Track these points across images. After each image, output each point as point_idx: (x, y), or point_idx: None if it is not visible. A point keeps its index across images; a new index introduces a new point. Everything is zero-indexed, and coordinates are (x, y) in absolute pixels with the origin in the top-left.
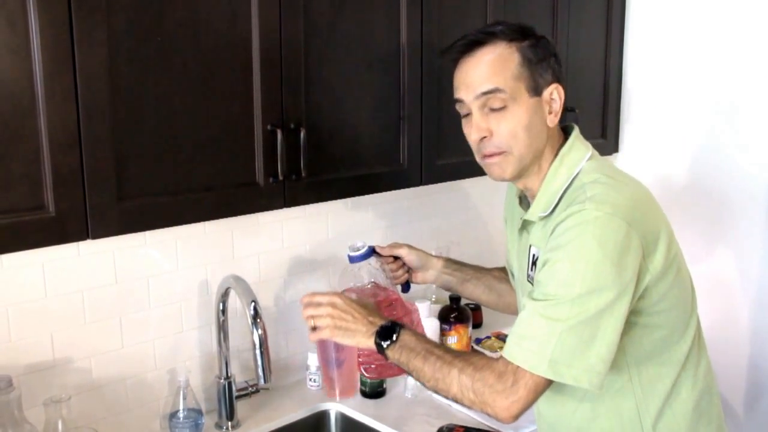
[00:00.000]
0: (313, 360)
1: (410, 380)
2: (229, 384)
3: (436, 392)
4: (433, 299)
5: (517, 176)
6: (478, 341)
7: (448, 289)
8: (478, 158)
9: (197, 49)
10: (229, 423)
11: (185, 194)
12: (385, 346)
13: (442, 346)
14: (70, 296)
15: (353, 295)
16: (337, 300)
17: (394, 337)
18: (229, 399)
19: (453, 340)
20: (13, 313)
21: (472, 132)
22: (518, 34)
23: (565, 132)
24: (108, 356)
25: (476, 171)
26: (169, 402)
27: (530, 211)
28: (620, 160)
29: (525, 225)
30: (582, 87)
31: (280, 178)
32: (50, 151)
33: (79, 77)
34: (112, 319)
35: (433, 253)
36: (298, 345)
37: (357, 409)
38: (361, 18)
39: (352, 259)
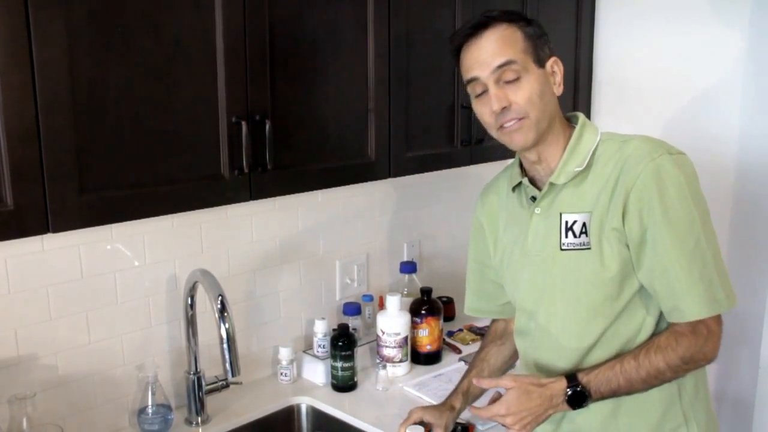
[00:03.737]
0: (284, 354)
1: (381, 373)
2: (199, 379)
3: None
4: (405, 292)
5: (536, 142)
6: (450, 334)
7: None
8: (494, 132)
9: (159, 40)
10: (199, 418)
11: (148, 187)
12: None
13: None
14: (34, 292)
15: None
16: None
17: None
18: (199, 394)
19: (424, 333)
20: None
21: (492, 103)
22: (514, 16)
23: (569, 120)
24: (74, 352)
25: (445, 163)
26: (138, 398)
27: (557, 175)
28: None
29: (545, 196)
30: None
31: (246, 170)
32: (8, 145)
33: (37, 70)
34: (78, 315)
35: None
36: (268, 339)
37: (328, 403)
38: (327, 9)
39: None
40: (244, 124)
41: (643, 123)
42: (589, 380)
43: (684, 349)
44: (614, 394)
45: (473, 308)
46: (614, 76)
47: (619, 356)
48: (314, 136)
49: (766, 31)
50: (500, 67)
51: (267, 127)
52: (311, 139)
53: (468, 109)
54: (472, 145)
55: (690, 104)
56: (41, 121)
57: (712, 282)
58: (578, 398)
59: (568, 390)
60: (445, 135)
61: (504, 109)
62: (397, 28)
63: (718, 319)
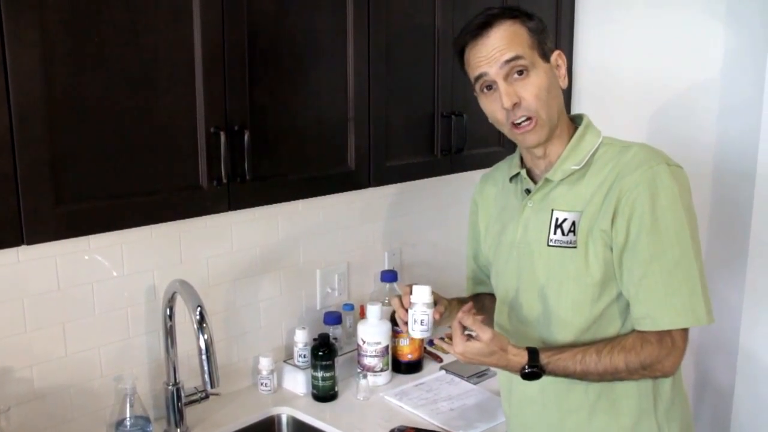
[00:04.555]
0: (264, 364)
1: (362, 382)
2: (177, 390)
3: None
4: (386, 301)
5: (548, 138)
6: (431, 343)
7: None
8: (506, 130)
9: (137, 49)
10: (178, 430)
11: (125, 198)
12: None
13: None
14: (9, 303)
15: None
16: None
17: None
18: (178, 405)
19: (405, 342)
20: None
21: (503, 100)
22: (516, 12)
23: (573, 120)
24: (51, 364)
25: (425, 172)
26: (116, 410)
27: (553, 171)
28: None
29: (539, 190)
30: None
31: (224, 180)
32: None
33: (11, 79)
34: (54, 327)
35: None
36: (248, 349)
37: (309, 413)
38: (307, 18)
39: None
40: (222, 134)
41: (623, 129)
42: (549, 363)
43: (646, 355)
44: (566, 377)
45: (473, 292)
46: (593, 83)
47: (584, 345)
48: (293, 145)
49: (742, 36)
50: (508, 62)
51: (246, 137)
52: (290, 149)
53: (447, 118)
54: (452, 154)
55: (668, 110)
56: (15, 130)
57: (694, 294)
58: (532, 376)
59: (526, 367)
60: (425, 144)
61: (515, 105)
62: (377, 36)
63: (685, 334)
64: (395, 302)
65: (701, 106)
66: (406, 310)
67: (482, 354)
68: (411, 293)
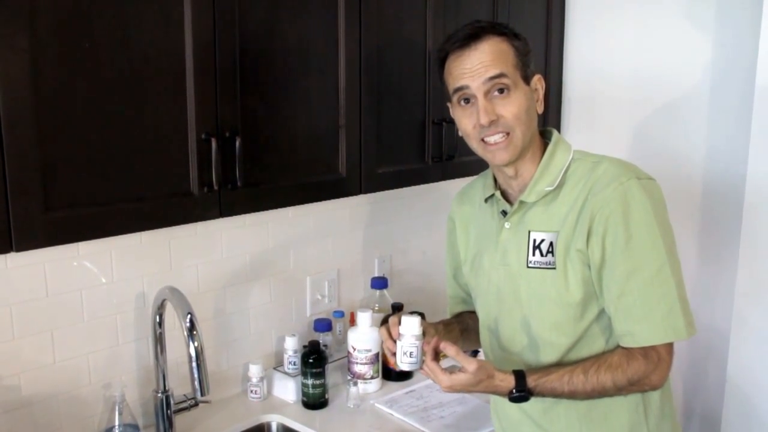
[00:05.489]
0: (254, 371)
1: (352, 390)
2: (167, 398)
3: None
4: (376, 308)
5: (518, 158)
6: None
7: None
8: (474, 144)
9: (128, 55)
10: None
11: (116, 205)
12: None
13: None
14: None
15: None
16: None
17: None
18: (167, 413)
19: None
20: None
21: (480, 116)
22: (504, 29)
23: (542, 135)
24: (39, 372)
25: (416, 179)
26: (105, 418)
27: (528, 193)
28: None
29: (515, 212)
30: None
31: (215, 187)
32: None
33: (0, 85)
34: (43, 334)
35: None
36: (238, 356)
37: (299, 420)
38: (298, 25)
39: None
40: (213, 140)
41: (612, 136)
42: (536, 386)
43: (633, 372)
44: (554, 398)
45: (455, 314)
46: (583, 90)
47: (570, 365)
48: (285, 152)
49: (730, 43)
50: (492, 78)
51: (237, 143)
52: (282, 156)
53: (438, 125)
54: (443, 161)
55: (657, 117)
56: (4, 136)
57: (673, 309)
58: (520, 399)
59: (513, 391)
60: (416, 151)
61: (491, 122)
62: (368, 44)
63: (670, 348)
64: (383, 333)
65: (690, 113)
66: (395, 342)
67: (469, 384)
68: (400, 324)
